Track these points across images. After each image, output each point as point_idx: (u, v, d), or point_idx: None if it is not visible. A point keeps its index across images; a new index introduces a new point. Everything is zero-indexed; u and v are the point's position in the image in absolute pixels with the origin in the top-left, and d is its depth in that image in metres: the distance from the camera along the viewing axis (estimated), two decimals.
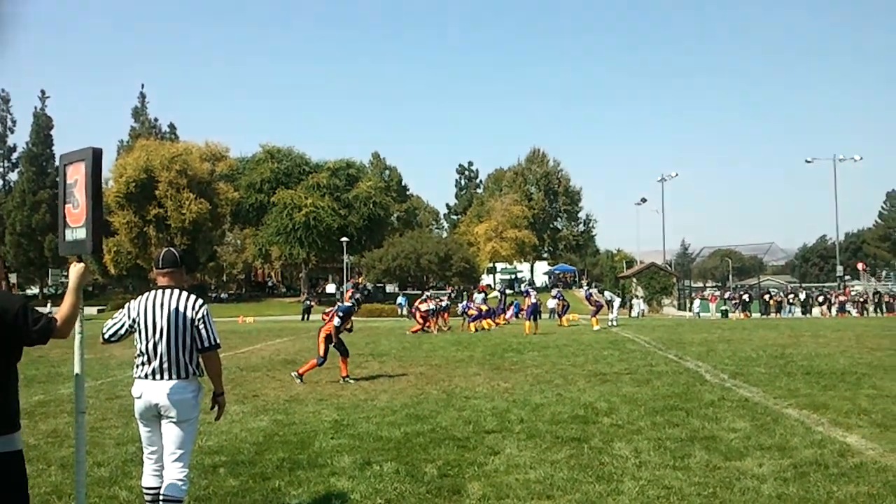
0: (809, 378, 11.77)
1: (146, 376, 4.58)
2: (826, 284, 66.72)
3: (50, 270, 70.32)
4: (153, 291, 4.70)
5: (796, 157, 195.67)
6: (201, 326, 4.60)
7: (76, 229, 4.18)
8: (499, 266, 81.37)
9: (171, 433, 4.54)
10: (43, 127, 73.22)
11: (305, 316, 45.74)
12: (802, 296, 51.12)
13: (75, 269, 3.93)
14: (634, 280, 57.85)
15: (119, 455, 6.96)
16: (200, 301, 4.69)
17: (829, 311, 45.85)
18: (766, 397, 9.89)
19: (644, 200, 72.50)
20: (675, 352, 16.87)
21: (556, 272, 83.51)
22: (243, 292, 78.50)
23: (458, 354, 17.02)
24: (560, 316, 32.72)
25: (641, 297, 53.12)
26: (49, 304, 46.87)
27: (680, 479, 5.80)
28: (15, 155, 75.93)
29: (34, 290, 73.79)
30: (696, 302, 51.70)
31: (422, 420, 8.55)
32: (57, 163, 4.46)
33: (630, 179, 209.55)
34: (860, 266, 59.67)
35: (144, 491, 4.68)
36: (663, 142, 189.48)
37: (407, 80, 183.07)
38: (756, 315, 46.39)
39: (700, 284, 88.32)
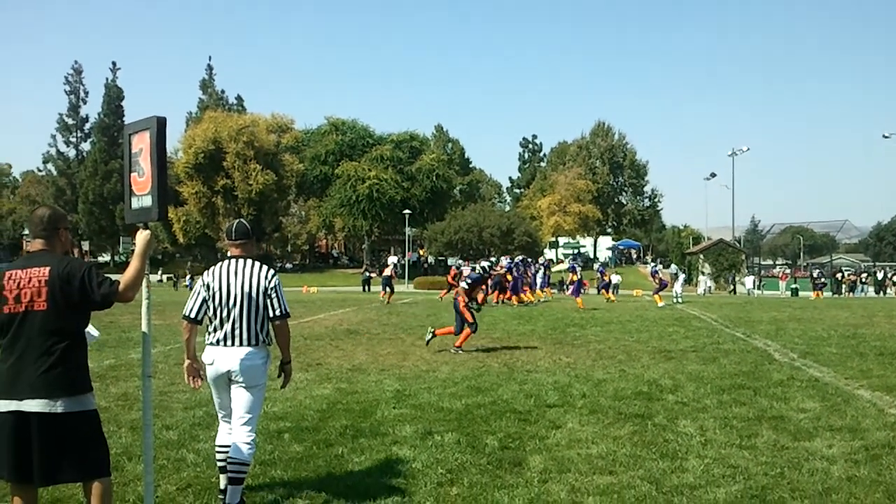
0: (883, 359, 11.39)
1: (217, 342, 4.69)
2: None
3: (121, 238, 72.50)
4: (226, 261, 4.81)
5: (873, 131, 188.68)
6: (273, 295, 4.70)
7: (142, 197, 4.24)
8: (561, 240, 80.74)
9: (240, 398, 4.66)
10: (114, 98, 75.23)
11: (366, 287, 46.16)
12: (880, 275, 49.36)
13: (142, 236, 4.00)
14: (701, 257, 56.72)
15: (187, 419, 7.13)
16: (272, 271, 4.81)
17: None
18: (837, 378, 9.60)
19: (713, 175, 70.93)
20: (743, 330, 16.51)
21: (620, 247, 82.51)
22: (307, 263, 79.74)
23: (519, 328, 16.97)
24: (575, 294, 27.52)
25: (708, 274, 52.10)
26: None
27: (746, 459, 5.67)
28: (87, 125, 78.25)
29: (106, 258, 76.33)
30: (750, 279, 50.17)
31: (483, 392, 8.54)
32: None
33: (699, 154, 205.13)
34: None
35: (217, 448, 4.81)
36: (735, 116, 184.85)
37: (471, 54, 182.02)
38: (828, 294, 45.12)
39: (770, 262, 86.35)
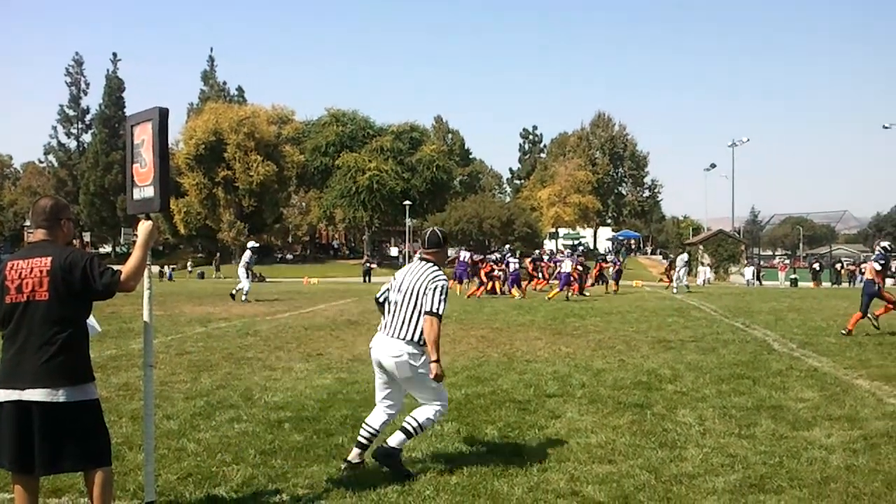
0: (881, 349, 11.42)
1: (380, 330, 5.12)
2: None
3: (122, 230, 72.50)
4: (414, 262, 5.26)
5: (872, 122, 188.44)
6: (430, 293, 4.95)
7: (143, 188, 4.25)
8: (561, 231, 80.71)
9: (410, 389, 5.12)
10: (115, 89, 75.10)
11: (366, 278, 46.22)
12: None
13: (143, 227, 4.02)
14: (701, 247, 56.69)
15: (187, 409, 7.15)
16: (443, 277, 5.10)
17: None
18: (835, 367, 9.63)
19: (713, 166, 70.94)
20: (743, 320, 16.54)
21: (620, 238, 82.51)
22: (308, 254, 79.73)
23: (519, 318, 17.00)
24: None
25: (708, 265, 52.08)
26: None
27: (745, 448, 5.70)
28: (88, 117, 78.15)
29: (107, 249, 76.34)
30: (749, 270, 49.91)
31: (483, 382, 8.57)
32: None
33: (699, 144, 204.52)
34: None
35: (364, 425, 5.21)
36: (735, 106, 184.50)
37: (470, 44, 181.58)
38: (826, 284, 45.12)
39: (769, 252, 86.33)
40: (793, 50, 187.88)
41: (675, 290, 29.70)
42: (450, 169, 72.75)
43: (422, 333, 4.94)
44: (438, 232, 5.27)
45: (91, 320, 4.04)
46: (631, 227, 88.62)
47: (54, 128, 78.48)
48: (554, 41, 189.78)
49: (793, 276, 47.57)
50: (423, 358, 4.96)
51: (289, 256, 75.23)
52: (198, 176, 64.88)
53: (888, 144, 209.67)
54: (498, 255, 28.84)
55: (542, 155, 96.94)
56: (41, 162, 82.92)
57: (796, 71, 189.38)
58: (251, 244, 24.90)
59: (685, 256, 32.48)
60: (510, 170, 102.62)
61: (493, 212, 63.61)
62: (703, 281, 47.08)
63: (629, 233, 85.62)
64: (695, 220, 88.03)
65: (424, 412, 5.07)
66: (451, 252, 31.10)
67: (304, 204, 79.08)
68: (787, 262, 61.74)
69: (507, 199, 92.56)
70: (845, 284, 45.07)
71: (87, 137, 78.36)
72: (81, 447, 3.70)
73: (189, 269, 56.18)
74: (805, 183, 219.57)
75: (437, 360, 4.97)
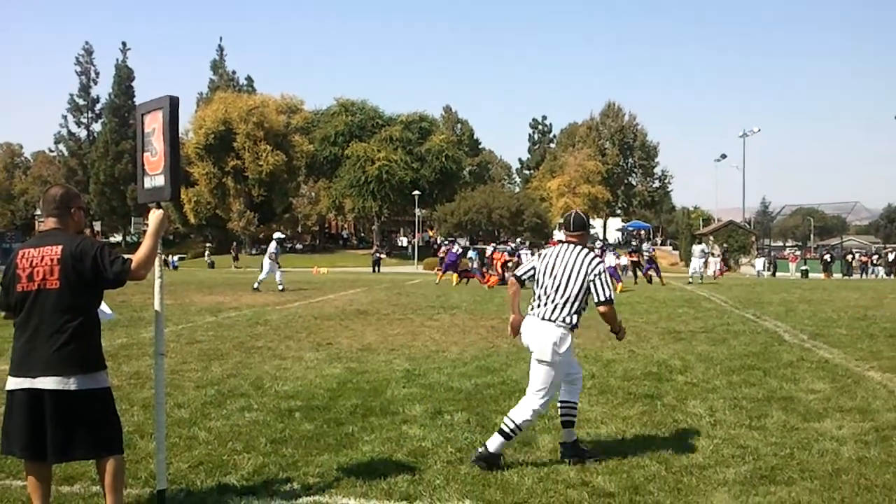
0: (893, 341, 11.35)
1: (531, 313, 5.19)
2: None
3: (132, 219, 72.73)
4: (560, 245, 5.30)
5: (885, 113, 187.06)
6: (597, 282, 5.05)
7: (154, 177, 4.24)
8: None
9: (535, 370, 5.11)
10: (124, 79, 75.20)
11: (375, 268, 46.24)
12: (891, 256, 49.01)
13: (155, 216, 4.02)
14: (711, 238, 56.48)
15: (198, 397, 7.17)
16: (600, 261, 5.18)
17: None
18: (847, 359, 9.58)
19: (724, 157, 70.66)
20: (753, 311, 16.47)
21: (630, 229, 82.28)
22: (317, 244, 79.79)
23: (528, 309, 16.96)
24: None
25: (718, 256, 51.89)
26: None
27: (756, 439, 5.68)
28: (98, 106, 78.32)
29: (117, 238, 76.63)
30: (760, 261, 49.48)
31: (492, 372, 8.57)
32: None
33: (710, 135, 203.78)
34: None
35: (558, 403, 5.30)
36: (746, 96, 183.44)
37: (480, 34, 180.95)
38: (837, 275, 44.90)
39: (780, 243, 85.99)
40: (805, 41, 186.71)
41: (690, 281, 29.57)
42: (459, 159, 72.63)
43: (572, 318, 5.04)
44: (583, 214, 5.42)
45: (104, 307, 4.05)
46: (641, 218, 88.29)
47: (64, 117, 78.73)
48: (563, 31, 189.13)
49: (804, 268, 47.30)
50: (568, 343, 5.05)
51: (298, 246, 75.25)
52: (207, 165, 64.96)
53: None
54: (512, 247, 28.94)
55: (552, 145, 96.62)
56: (51, 151, 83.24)
57: (808, 62, 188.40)
58: (277, 235, 25.02)
59: (703, 246, 32.16)
60: (519, 160, 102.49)
61: (502, 202, 63.56)
62: (713, 272, 46.96)
63: (639, 223, 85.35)
64: (705, 211, 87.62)
65: (523, 411, 5.08)
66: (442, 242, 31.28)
67: (313, 194, 79.08)
68: (798, 253, 61.42)
69: (517, 189, 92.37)
70: (856, 276, 44.85)
71: (97, 127, 78.52)
72: (93, 435, 3.72)
73: (207, 258, 56.37)
74: (816, 174, 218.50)
75: (620, 329, 5.36)
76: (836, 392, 7.45)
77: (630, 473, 4.87)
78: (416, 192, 61.89)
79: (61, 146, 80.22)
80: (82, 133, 79.45)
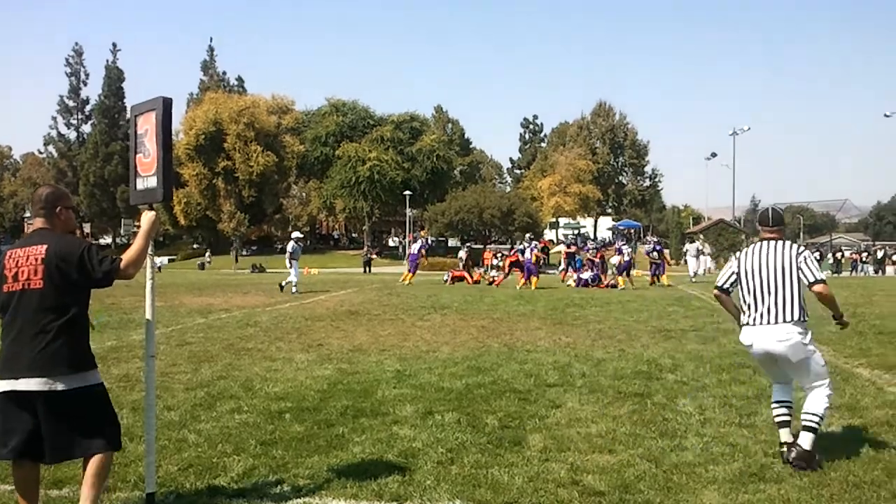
0: (882, 338, 11.40)
1: (752, 323, 5.14)
2: None
3: (122, 220, 72.52)
4: (758, 244, 5.25)
5: (873, 110, 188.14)
6: (804, 266, 5.02)
7: (147, 178, 4.24)
8: (562, 221, 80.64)
9: (799, 369, 5.08)
10: (114, 80, 74.98)
11: (367, 268, 46.18)
12: (880, 254, 49.27)
13: (147, 217, 4.02)
14: (701, 236, 56.65)
15: (188, 400, 7.16)
16: (802, 248, 5.15)
17: None
18: (836, 356, 9.63)
19: (714, 155, 70.82)
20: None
21: (620, 227, 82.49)
22: (308, 244, 79.55)
23: (519, 308, 16.98)
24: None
25: (708, 254, 52.03)
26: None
27: (746, 437, 5.71)
28: (88, 107, 78.06)
29: (107, 240, 76.35)
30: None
31: (483, 372, 8.57)
32: (128, 115, 4.57)
33: (700, 133, 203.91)
34: None
35: (774, 406, 5.32)
36: (736, 95, 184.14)
37: (470, 33, 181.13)
38: (827, 273, 45.04)
39: None
40: (794, 38, 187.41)
41: (693, 281, 29.62)
42: (450, 159, 72.63)
43: (802, 312, 5.01)
44: (780, 210, 5.42)
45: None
46: (631, 217, 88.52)
47: (54, 118, 78.63)
48: (554, 30, 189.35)
49: None
50: (810, 335, 5.05)
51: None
52: (198, 166, 64.80)
53: (889, 133, 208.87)
54: (523, 246, 28.88)
55: (543, 144, 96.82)
56: (41, 153, 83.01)
57: (797, 59, 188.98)
58: (296, 234, 24.74)
59: (697, 244, 32.13)
60: (510, 159, 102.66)
61: (493, 202, 63.48)
62: (704, 270, 47.07)
63: (630, 222, 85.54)
64: (695, 210, 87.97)
65: (818, 402, 5.07)
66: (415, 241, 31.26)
67: (304, 194, 79.00)
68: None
69: (508, 188, 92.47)
70: (846, 273, 45.00)
71: (86, 128, 78.41)
72: (89, 433, 3.72)
73: (208, 259, 56.22)
74: (806, 172, 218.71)
75: (842, 315, 5.31)
76: None
77: (620, 472, 4.88)
78: (407, 192, 61.91)
79: (51, 148, 79.98)
80: (72, 135, 79.29)
